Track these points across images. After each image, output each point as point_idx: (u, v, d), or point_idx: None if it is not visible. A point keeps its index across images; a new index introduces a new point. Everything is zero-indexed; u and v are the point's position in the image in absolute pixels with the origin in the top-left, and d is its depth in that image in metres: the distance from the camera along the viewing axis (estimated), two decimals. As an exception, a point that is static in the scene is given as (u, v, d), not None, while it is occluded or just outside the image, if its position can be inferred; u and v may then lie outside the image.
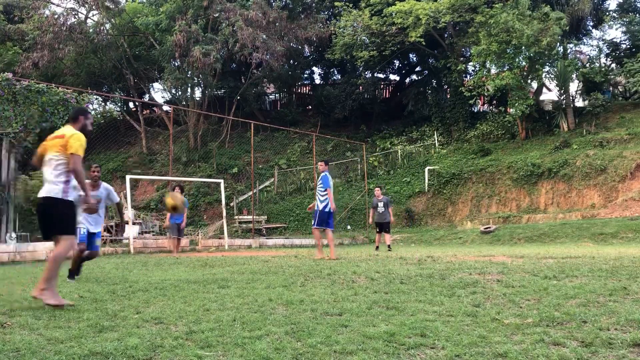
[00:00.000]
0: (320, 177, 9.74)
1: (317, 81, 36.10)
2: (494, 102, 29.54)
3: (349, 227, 22.25)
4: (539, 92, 26.36)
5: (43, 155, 4.64)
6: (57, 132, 4.77)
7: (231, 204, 23.27)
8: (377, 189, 14.49)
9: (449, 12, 23.93)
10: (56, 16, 26.36)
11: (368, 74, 30.75)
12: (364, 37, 27.30)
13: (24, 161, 14.51)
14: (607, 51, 28.33)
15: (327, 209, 9.52)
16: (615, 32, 46.00)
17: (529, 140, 24.23)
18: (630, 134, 21.17)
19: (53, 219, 4.45)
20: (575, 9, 25.04)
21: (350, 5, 27.51)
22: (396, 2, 24.90)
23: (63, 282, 6.02)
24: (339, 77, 33.82)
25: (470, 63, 27.74)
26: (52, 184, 4.46)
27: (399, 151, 26.75)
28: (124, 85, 31.36)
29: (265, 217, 22.62)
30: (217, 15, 25.98)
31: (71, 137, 4.53)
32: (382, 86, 34.90)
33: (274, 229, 22.26)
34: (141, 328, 3.45)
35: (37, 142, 13.72)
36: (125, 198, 17.62)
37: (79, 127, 4.74)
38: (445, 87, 28.80)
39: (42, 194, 4.49)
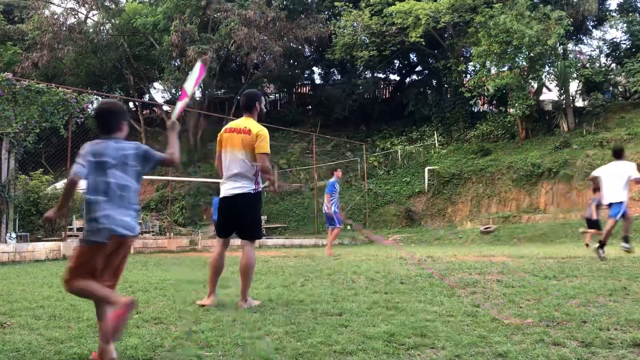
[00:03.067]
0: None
1: (317, 81, 36.11)
2: (494, 102, 29.52)
3: (349, 227, 22.24)
4: (539, 92, 26.35)
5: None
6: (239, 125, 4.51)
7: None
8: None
9: (449, 12, 23.92)
10: (56, 16, 26.37)
11: (368, 74, 30.73)
12: (364, 37, 27.29)
13: (24, 161, 14.50)
14: (608, 51, 28.33)
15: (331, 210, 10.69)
16: (615, 32, 45.92)
17: (529, 140, 24.22)
18: (630, 134, 21.16)
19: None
20: (581, 9, 25.05)
21: (350, 5, 27.50)
22: (396, 2, 24.90)
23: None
24: (339, 77, 33.80)
25: (470, 63, 27.73)
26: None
27: (399, 151, 26.75)
28: (124, 85, 31.35)
29: (265, 217, 22.61)
30: (216, 15, 25.97)
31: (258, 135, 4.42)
32: (382, 86, 34.88)
33: (273, 229, 22.25)
34: (141, 328, 3.45)
35: (37, 142, 13.74)
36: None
37: (256, 116, 4.55)
38: (446, 87, 28.80)
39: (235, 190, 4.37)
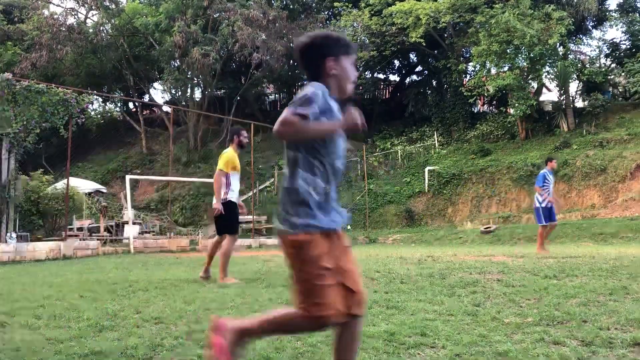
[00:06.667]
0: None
1: (317, 81, 36.07)
2: (494, 102, 29.51)
3: (349, 227, 22.23)
4: (539, 92, 26.36)
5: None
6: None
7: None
8: None
9: (449, 12, 23.92)
10: (55, 16, 26.35)
11: (368, 74, 30.72)
12: (364, 37, 27.29)
13: (24, 161, 14.49)
14: (607, 51, 28.32)
15: (542, 205, 10.04)
16: (615, 32, 45.98)
17: (529, 140, 24.22)
18: (630, 134, 21.16)
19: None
20: (581, 9, 25.06)
21: (350, 5, 27.50)
22: (396, 2, 24.90)
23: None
24: (339, 77, 33.75)
25: (470, 63, 27.73)
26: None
27: (399, 151, 26.74)
28: (124, 86, 31.36)
29: (265, 217, 22.60)
30: (217, 15, 25.96)
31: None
32: (382, 86, 34.87)
33: (274, 229, 22.26)
34: (141, 328, 3.45)
35: (37, 142, 13.75)
36: (125, 198, 17.62)
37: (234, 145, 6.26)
38: (445, 87, 28.80)
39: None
